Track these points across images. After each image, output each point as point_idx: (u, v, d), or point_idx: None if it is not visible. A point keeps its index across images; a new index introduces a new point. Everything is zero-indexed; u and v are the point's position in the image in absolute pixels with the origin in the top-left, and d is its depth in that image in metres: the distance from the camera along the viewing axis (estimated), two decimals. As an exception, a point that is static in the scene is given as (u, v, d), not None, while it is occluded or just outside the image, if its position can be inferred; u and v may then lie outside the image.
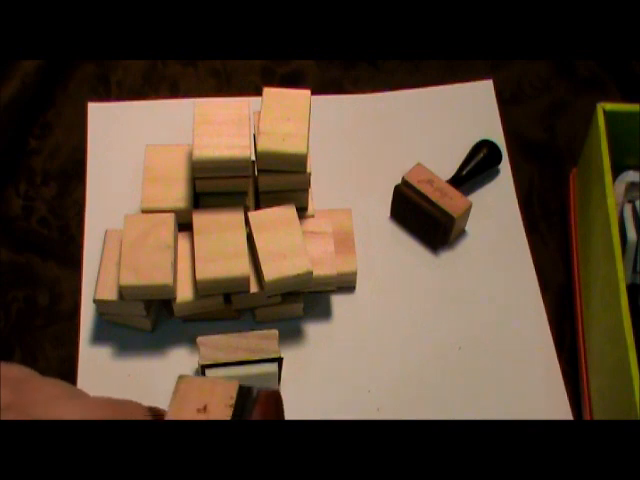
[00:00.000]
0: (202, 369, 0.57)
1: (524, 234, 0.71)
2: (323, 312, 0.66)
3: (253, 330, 0.60)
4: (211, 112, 0.63)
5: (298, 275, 0.60)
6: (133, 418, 0.31)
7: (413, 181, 0.68)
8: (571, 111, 0.79)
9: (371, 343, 0.64)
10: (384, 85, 0.79)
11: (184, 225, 0.63)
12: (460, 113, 0.77)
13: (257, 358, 0.58)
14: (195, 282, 0.60)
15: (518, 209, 0.72)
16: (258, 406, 0.30)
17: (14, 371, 0.33)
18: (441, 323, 0.66)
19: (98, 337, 0.63)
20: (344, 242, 0.66)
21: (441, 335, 0.65)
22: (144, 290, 0.59)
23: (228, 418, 0.29)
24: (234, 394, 0.30)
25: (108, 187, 0.71)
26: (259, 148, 0.61)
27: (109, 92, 0.77)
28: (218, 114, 0.63)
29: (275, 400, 0.32)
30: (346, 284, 0.66)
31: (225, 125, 0.62)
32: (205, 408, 0.30)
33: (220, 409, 0.30)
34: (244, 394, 0.31)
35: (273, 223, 0.62)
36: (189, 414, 0.30)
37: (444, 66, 0.80)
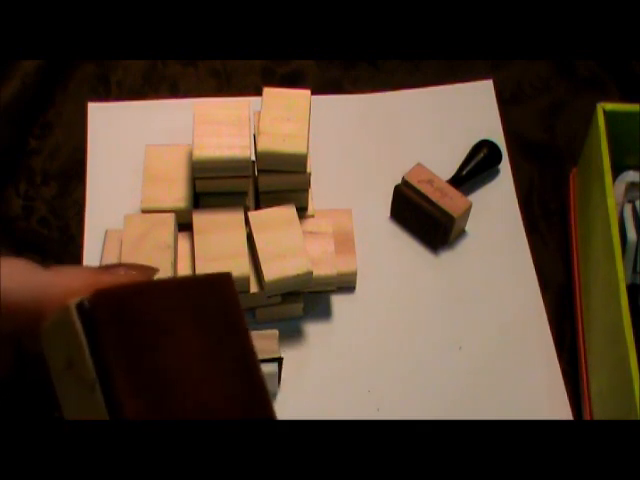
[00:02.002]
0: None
1: (524, 234, 0.71)
2: (323, 312, 0.66)
3: (253, 330, 0.60)
4: (211, 112, 0.63)
5: (298, 275, 0.60)
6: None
7: (413, 181, 0.68)
8: (571, 111, 0.79)
9: (371, 343, 0.64)
10: (384, 85, 0.79)
11: (184, 225, 0.63)
12: (460, 113, 0.77)
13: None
14: (195, 282, 0.60)
15: (518, 209, 0.72)
16: (100, 329, 0.25)
17: None
18: (441, 323, 0.66)
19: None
20: (344, 242, 0.66)
21: (441, 335, 0.65)
22: (144, 290, 0.59)
23: (88, 358, 0.24)
24: (78, 329, 0.25)
25: (108, 187, 0.71)
26: (259, 148, 0.61)
27: (109, 92, 0.77)
28: (218, 114, 0.63)
29: (108, 306, 0.25)
30: (346, 284, 0.66)
31: (225, 125, 0.62)
32: (70, 363, 0.25)
33: (80, 354, 0.25)
34: (84, 316, 0.25)
35: (273, 223, 0.62)
36: (61, 376, 0.26)
37: (444, 66, 0.80)
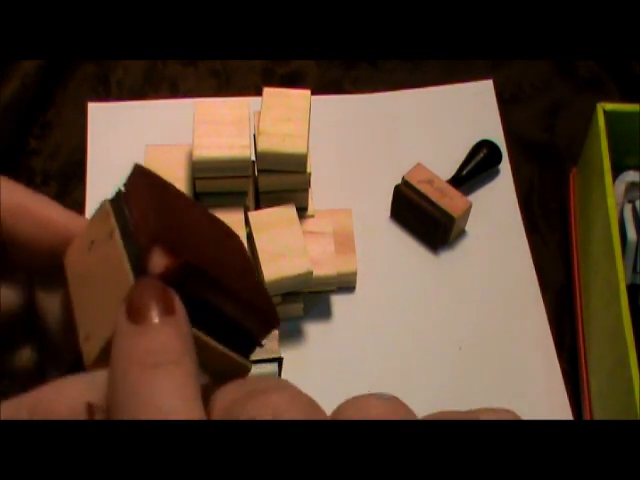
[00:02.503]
0: (202, 369, 0.57)
1: (524, 234, 0.71)
2: (323, 312, 0.66)
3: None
4: (211, 112, 0.63)
5: (298, 275, 0.60)
6: None
7: (413, 181, 0.68)
8: (571, 111, 0.79)
9: (371, 343, 0.64)
10: (384, 85, 0.79)
11: (184, 225, 0.63)
12: (460, 113, 0.77)
13: (257, 358, 0.58)
14: (195, 282, 0.60)
15: (518, 209, 0.72)
16: (130, 203, 0.27)
17: None
18: (441, 323, 0.66)
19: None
20: (344, 242, 0.66)
21: (441, 335, 0.65)
22: (144, 290, 0.59)
23: (116, 235, 0.26)
24: (109, 211, 0.27)
25: (108, 187, 0.70)
26: (259, 148, 0.61)
27: (109, 92, 0.77)
28: (218, 114, 0.63)
29: (143, 176, 0.28)
30: (346, 284, 0.66)
31: (225, 125, 0.62)
32: (92, 243, 0.27)
33: (103, 229, 0.27)
34: (117, 200, 0.28)
35: (273, 223, 0.62)
36: (80, 256, 0.28)
37: (444, 66, 0.80)
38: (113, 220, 0.27)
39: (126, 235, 0.26)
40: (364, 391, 0.62)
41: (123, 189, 0.28)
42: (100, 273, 0.27)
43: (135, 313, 0.23)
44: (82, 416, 0.23)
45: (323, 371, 0.63)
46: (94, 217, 0.28)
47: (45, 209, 0.29)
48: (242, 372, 0.29)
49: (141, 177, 0.28)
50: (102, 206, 0.28)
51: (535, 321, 0.66)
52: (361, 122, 0.76)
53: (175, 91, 0.78)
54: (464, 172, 0.71)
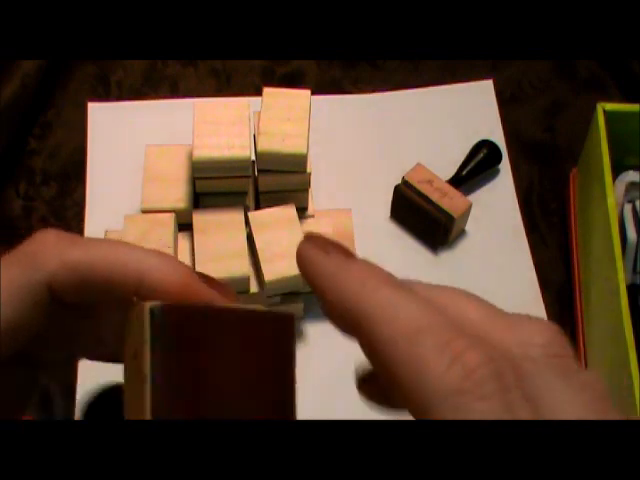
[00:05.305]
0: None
1: (524, 234, 0.71)
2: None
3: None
4: (211, 112, 0.63)
5: (298, 275, 0.60)
6: None
7: (413, 181, 0.68)
8: (571, 111, 0.79)
9: (371, 343, 0.64)
10: (384, 85, 0.79)
11: (184, 225, 0.63)
12: (460, 113, 0.77)
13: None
14: (195, 282, 0.60)
15: (518, 209, 0.72)
16: (168, 327, 0.27)
17: None
18: (441, 323, 0.66)
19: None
20: (344, 242, 0.65)
21: (441, 335, 0.65)
22: (144, 290, 0.59)
23: (147, 355, 0.27)
24: (146, 329, 0.27)
25: (108, 187, 0.71)
26: (259, 148, 0.61)
27: (109, 92, 0.77)
28: (218, 114, 0.63)
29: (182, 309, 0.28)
30: (346, 284, 0.66)
31: (225, 125, 0.62)
32: (135, 354, 0.28)
33: (143, 350, 0.27)
34: (154, 320, 0.28)
35: (273, 223, 0.62)
36: (128, 364, 0.28)
37: (444, 66, 0.80)
38: (149, 362, 0.27)
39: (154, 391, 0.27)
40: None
41: (160, 314, 0.28)
42: (133, 388, 0.28)
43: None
44: None
45: (323, 371, 0.63)
46: (136, 314, 0.28)
47: (121, 256, 0.29)
48: None
49: (174, 326, 0.28)
50: (142, 313, 0.28)
51: (535, 321, 0.66)
52: (361, 122, 0.76)
53: (175, 91, 0.78)
54: (464, 172, 0.71)
